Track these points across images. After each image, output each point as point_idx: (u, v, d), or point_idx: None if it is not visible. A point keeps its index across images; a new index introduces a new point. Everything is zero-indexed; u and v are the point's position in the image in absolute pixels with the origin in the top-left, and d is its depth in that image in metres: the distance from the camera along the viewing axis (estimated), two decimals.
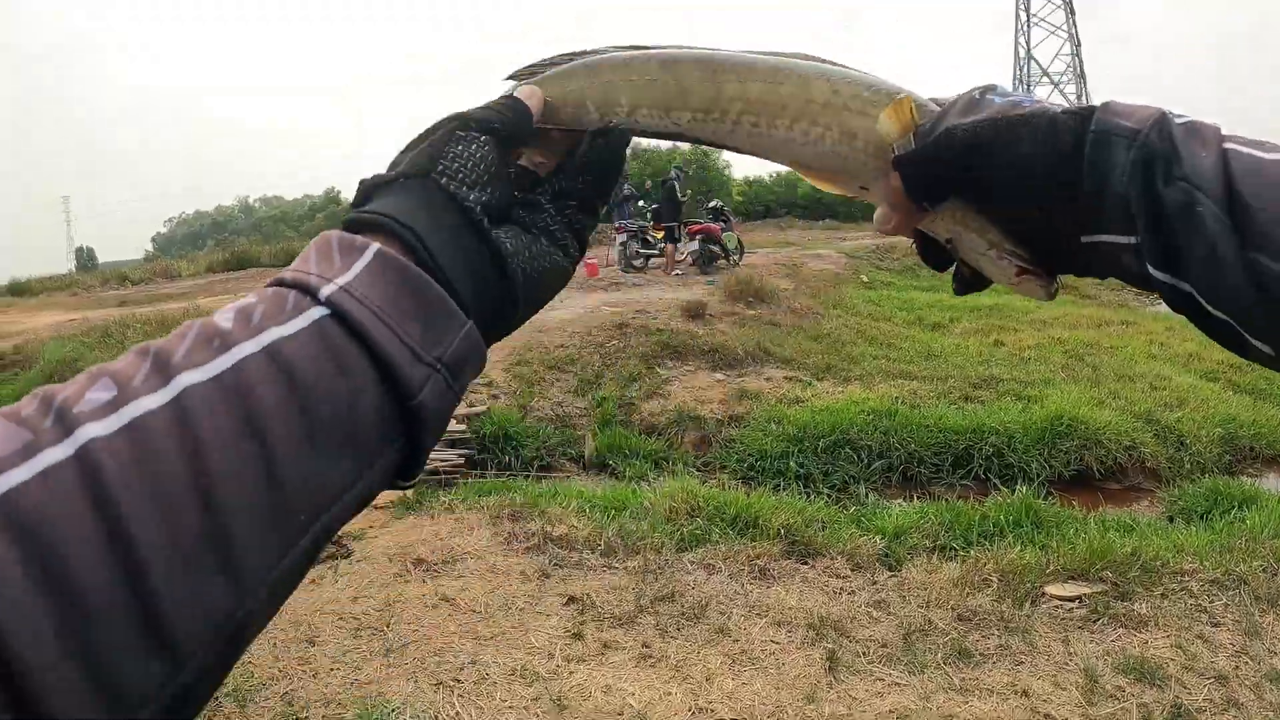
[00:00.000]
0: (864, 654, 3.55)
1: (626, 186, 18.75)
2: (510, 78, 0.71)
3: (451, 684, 3.49)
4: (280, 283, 0.45)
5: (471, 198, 0.53)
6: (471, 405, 8.25)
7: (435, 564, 4.63)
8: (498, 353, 10.23)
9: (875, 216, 0.66)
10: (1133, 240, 0.53)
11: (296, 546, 0.40)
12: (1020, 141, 0.55)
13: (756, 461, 7.38)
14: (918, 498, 6.27)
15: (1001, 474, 6.64)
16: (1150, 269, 0.52)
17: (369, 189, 0.54)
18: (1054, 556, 4.21)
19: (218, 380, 0.38)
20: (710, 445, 8.03)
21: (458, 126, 0.57)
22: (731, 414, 8.30)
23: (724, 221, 18.39)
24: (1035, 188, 0.56)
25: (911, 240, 0.68)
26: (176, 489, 0.35)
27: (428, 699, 3.34)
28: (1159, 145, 0.51)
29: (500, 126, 0.59)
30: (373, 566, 4.57)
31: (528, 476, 7.28)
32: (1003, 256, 0.60)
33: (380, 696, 3.31)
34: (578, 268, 0.64)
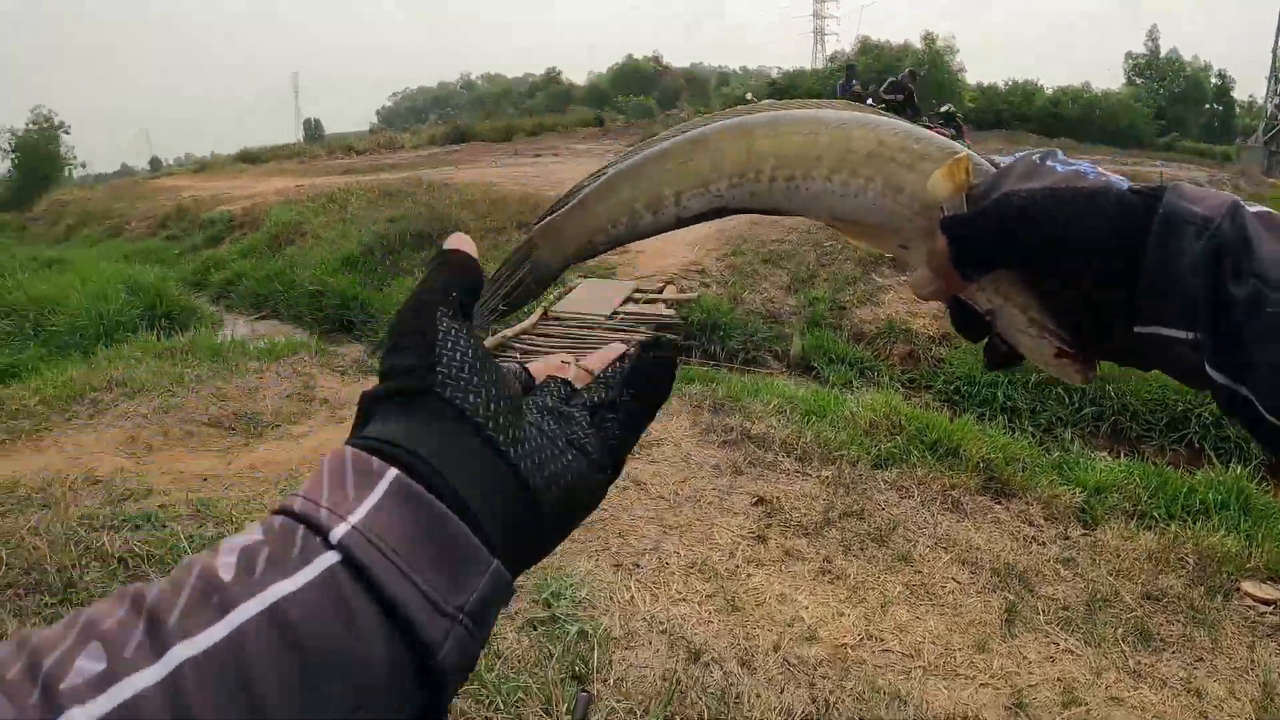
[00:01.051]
0: (1043, 612, 3.53)
1: (855, 84, 17.66)
2: (529, 226, 0.69)
3: (631, 568, 3.58)
4: (289, 512, 0.42)
5: (482, 413, 0.46)
6: (682, 291, 8.43)
7: None
8: (713, 240, 10.32)
9: (913, 279, 0.63)
10: (1191, 335, 0.50)
11: None
12: (1083, 216, 0.53)
13: (963, 386, 7.33)
14: (1124, 454, 6.03)
15: (1217, 446, 6.26)
16: (1208, 368, 0.50)
17: (368, 406, 0.48)
18: (1257, 551, 4.01)
19: (213, 652, 0.35)
20: (918, 362, 7.99)
21: (440, 308, 0.50)
22: (944, 332, 8.13)
23: (955, 129, 16.66)
24: (1093, 267, 0.54)
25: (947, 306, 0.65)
26: None
27: (606, 579, 3.45)
28: (1231, 236, 0.49)
29: (467, 300, 0.53)
30: None
31: (731, 368, 7.40)
32: (1043, 335, 0.58)
33: (560, 570, 3.39)
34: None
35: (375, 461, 0.43)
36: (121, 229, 17.91)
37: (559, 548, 0.53)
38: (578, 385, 0.55)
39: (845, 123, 0.63)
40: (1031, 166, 0.57)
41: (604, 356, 0.59)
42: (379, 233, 11.45)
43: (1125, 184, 0.54)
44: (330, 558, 0.39)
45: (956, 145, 0.61)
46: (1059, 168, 0.56)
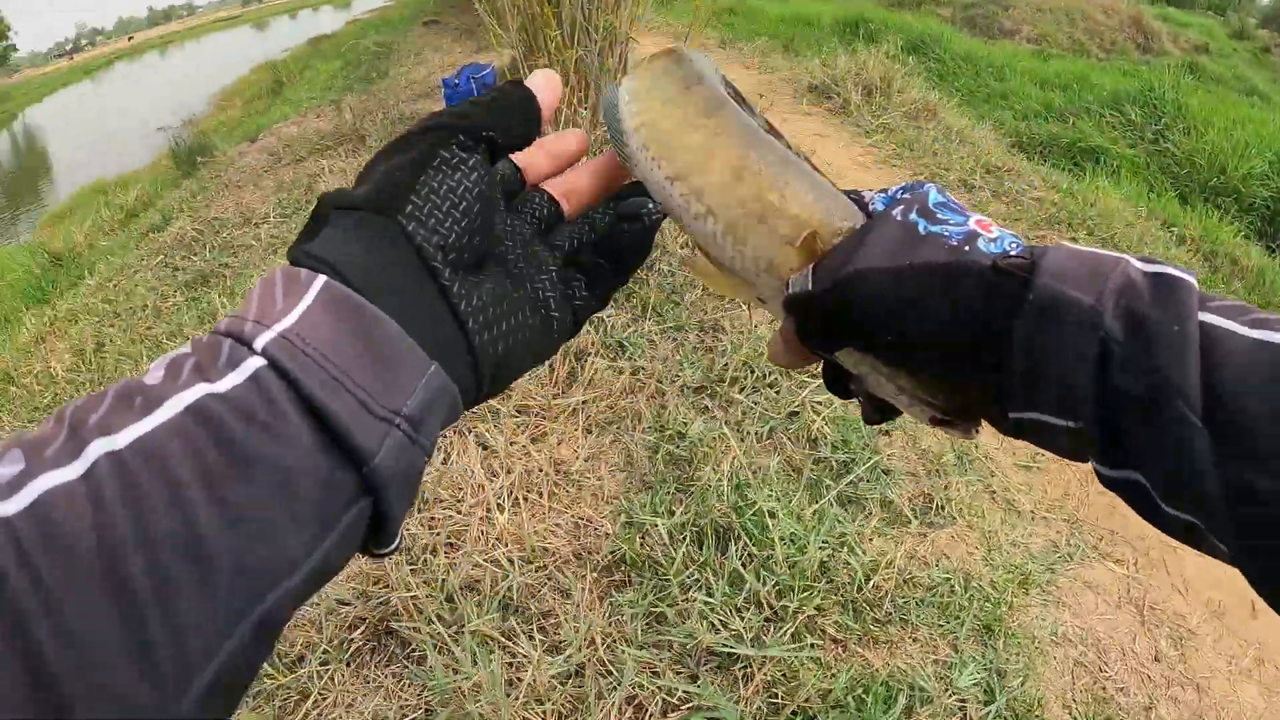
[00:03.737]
0: None
1: None
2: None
3: None
4: (216, 331, 0.37)
5: (434, 242, 0.42)
6: None
7: None
8: None
9: (770, 347, 0.55)
10: (1074, 424, 0.41)
11: (232, 636, 0.32)
12: (934, 304, 0.44)
13: None
14: None
15: None
16: (1093, 461, 0.43)
17: (325, 211, 0.43)
18: None
19: (133, 447, 0.32)
20: None
21: (445, 139, 0.45)
22: None
23: None
24: (951, 357, 0.45)
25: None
26: (84, 573, 0.29)
27: None
28: (1120, 326, 0.40)
29: (499, 135, 0.47)
30: None
31: None
32: (914, 402, 0.49)
33: None
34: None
35: (304, 273, 0.39)
36: None
37: None
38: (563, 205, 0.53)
39: (721, 133, 0.52)
40: (898, 232, 0.47)
41: (592, 172, 0.55)
42: None
43: (994, 253, 0.45)
44: (257, 362, 0.36)
45: (828, 199, 0.51)
46: (923, 228, 0.47)
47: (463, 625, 1.96)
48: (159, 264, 4.96)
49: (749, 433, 2.55)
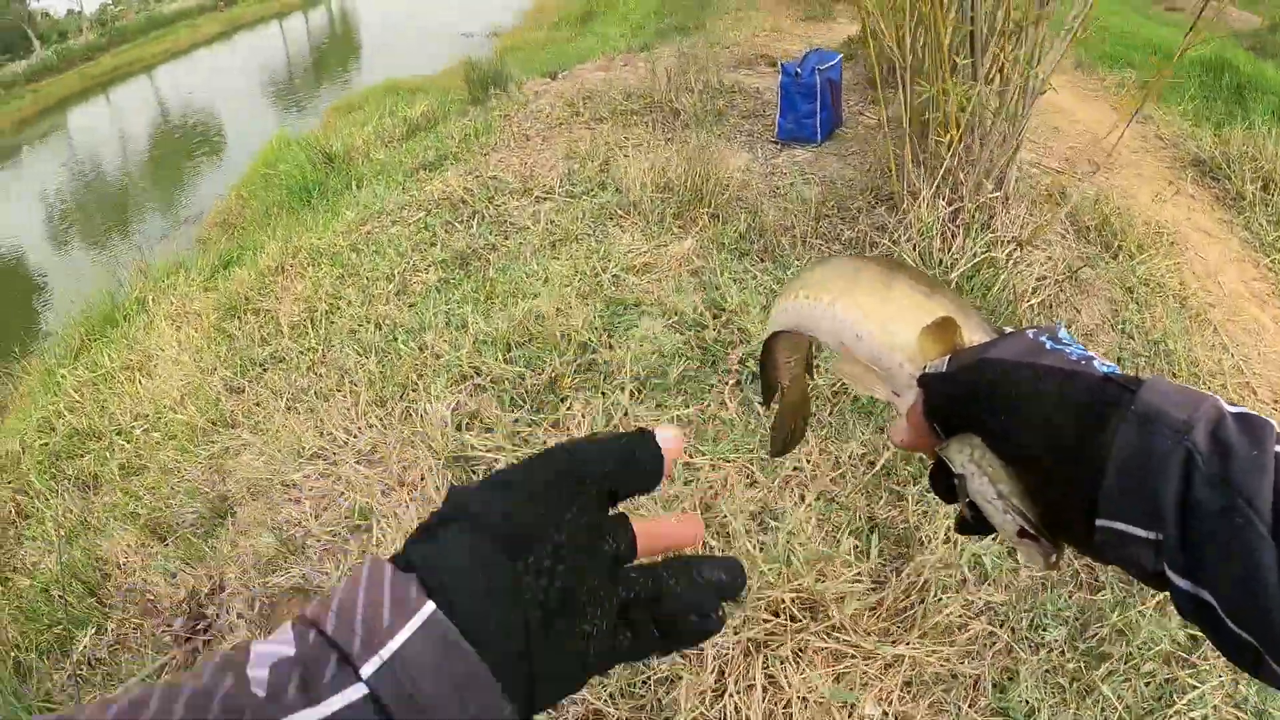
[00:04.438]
0: None
1: None
2: None
3: None
4: (320, 631, 0.40)
5: (538, 600, 0.43)
6: None
7: None
8: None
9: (891, 428, 0.61)
10: (1154, 535, 0.46)
11: None
12: (1050, 398, 0.50)
13: None
14: None
15: None
16: (1169, 570, 0.46)
17: (453, 513, 0.45)
18: None
19: None
20: None
21: (585, 492, 0.47)
22: None
23: None
24: (1054, 452, 0.50)
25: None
26: None
27: None
28: (1206, 443, 0.45)
29: (622, 491, 0.49)
30: None
31: None
32: (1008, 510, 0.52)
33: None
34: None
35: (413, 592, 0.42)
36: None
37: None
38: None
39: (863, 263, 0.65)
40: (1028, 343, 0.55)
41: (675, 531, 0.55)
42: None
43: (1107, 371, 0.51)
44: (359, 690, 0.38)
45: (972, 314, 0.60)
46: (1049, 345, 0.54)
47: None
48: (418, 222, 4.56)
49: None
